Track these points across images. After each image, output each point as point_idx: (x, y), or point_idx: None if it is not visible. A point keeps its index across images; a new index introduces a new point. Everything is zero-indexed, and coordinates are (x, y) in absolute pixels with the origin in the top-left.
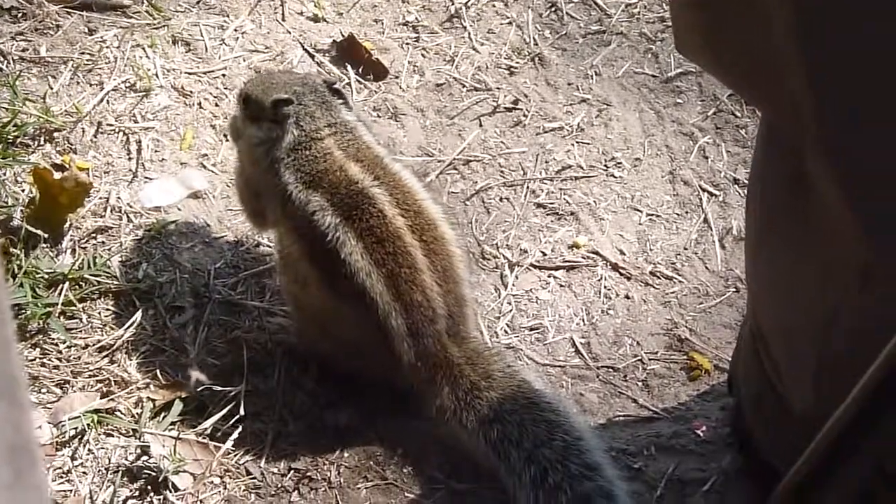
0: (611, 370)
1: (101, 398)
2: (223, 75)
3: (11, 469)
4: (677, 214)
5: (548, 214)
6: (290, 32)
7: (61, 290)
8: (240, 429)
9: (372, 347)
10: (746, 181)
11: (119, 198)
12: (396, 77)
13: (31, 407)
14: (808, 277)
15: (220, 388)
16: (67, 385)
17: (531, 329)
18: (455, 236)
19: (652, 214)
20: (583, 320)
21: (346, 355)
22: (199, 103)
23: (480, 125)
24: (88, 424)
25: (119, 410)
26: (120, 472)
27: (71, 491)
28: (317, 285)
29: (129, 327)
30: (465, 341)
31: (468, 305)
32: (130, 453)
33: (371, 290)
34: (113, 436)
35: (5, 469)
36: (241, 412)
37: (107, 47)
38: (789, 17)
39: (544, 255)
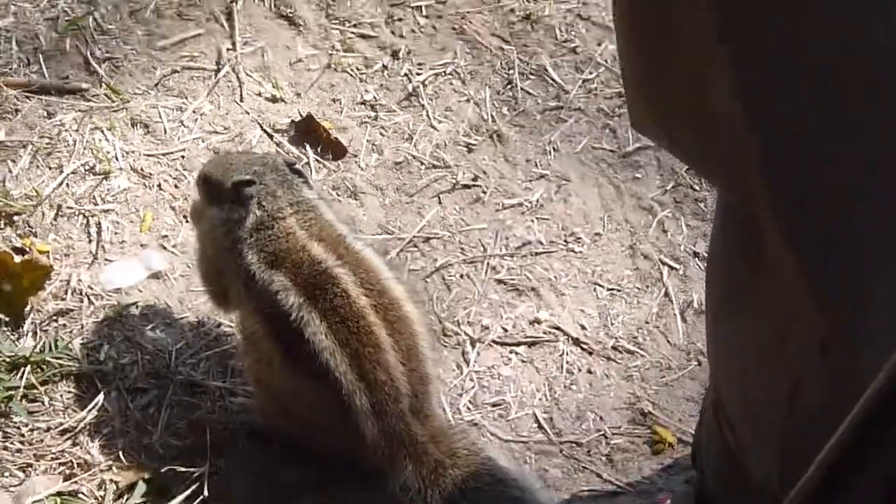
0: (574, 445)
1: (64, 481)
2: (182, 157)
3: None
4: (638, 288)
5: (508, 290)
6: (248, 113)
7: (23, 373)
8: None
9: (335, 426)
10: (706, 254)
11: (80, 280)
12: (355, 156)
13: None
14: (769, 351)
15: (183, 470)
16: (30, 468)
17: (494, 405)
18: (419, 314)
19: (613, 289)
20: (545, 395)
21: (310, 434)
22: (159, 185)
23: (440, 202)
24: None
25: (82, 493)
26: None
27: None
28: (280, 364)
29: (91, 409)
30: (428, 419)
31: (432, 383)
32: None
33: (335, 369)
34: None
35: None
36: (205, 493)
37: (66, 130)
38: (731, 86)
39: (506, 331)
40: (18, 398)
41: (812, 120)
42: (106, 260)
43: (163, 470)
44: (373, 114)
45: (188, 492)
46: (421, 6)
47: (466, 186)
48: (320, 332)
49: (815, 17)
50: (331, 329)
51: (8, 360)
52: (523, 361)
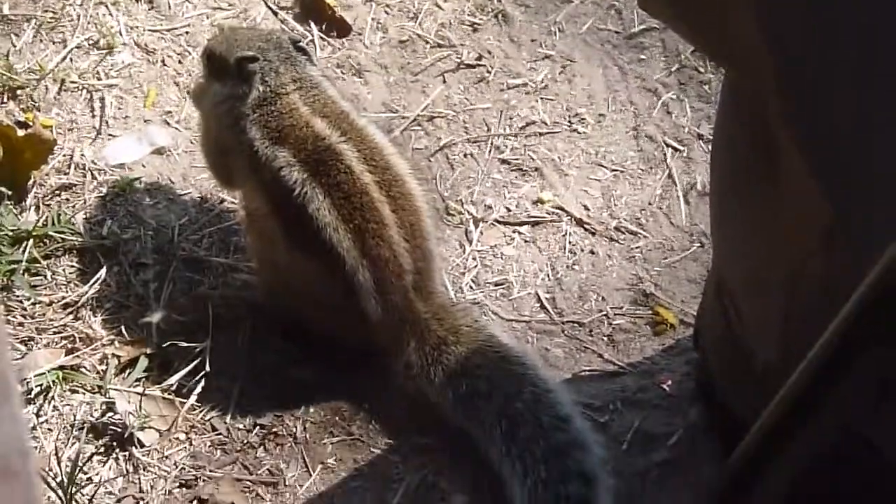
0: (576, 325)
1: (65, 355)
2: (186, 32)
3: None
4: (641, 170)
5: (512, 170)
6: None
7: (25, 247)
8: (205, 385)
9: (338, 303)
10: (710, 137)
11: (83, 155)
12: (360, 34)
13: (5, 341)
14: (773, 235)
15: (185, 345)
16: (32, 342)
17: (496, 284)
18: (422, 192)
19: (616, 170)
20: (548, 276)
21: (312, 312)
22: (163, 60)
23: (444, 82)
24: (53, 381)
25: (84, 367)
26: (85, 429)
27: (36, 447)
28: (283, 242)
29: (93, 284)
30: (431, 296)
31: (435, 260)
32: (96, 410)
33: (338, 245)
34: (78, 392)
35: None
36: (207, 368)
37: (69, 5)
38: None
39: (509, 210)
40: (21, 272)
41: (825, 20)
42: (109, 135)
43: (164, 345)
44: None
45: (190, 367)
46: None
47: (471, 66)
48: (324, 208)
49: None
50: (334, 205)
51: (11, 234)
52: (526, 241)
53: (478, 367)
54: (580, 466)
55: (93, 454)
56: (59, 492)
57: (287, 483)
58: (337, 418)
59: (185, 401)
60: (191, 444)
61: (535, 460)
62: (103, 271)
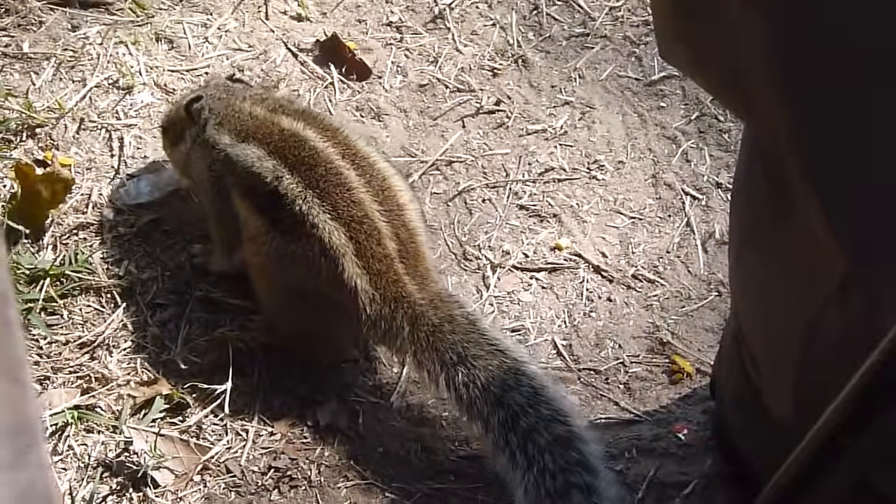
0: (592, 372)
1: (81, 395)
2: (206, 73)
3: (12, 448)
4: (660, 218)
5: (530, 216)
6: (273, 31)
7: (42, 285)
8: (221, 426)
9: (330, 289)
10: (729, 185)
11: (101, 194)
12: (380, 77)
13: (33, 386)
14: (790, 286)
15: (203, 386)
16: (48, 381)
17: (513, 330)
18: (391, 168)
19: (634, 217)
20: (564, 322)
21: (312, 319)
22: None
23: (463, 126)
24: (69, 420)
25: (99, 407)
26: (100, 468)
27: None
28: (268, 235)
29: (110, 324)
30: (425, 282)
31: (419, 235)
32: (111, 449)
33: (308, 213)
34: (93, 432)
35: (6, 448)
36: (226, 410)
37: (90, 44)
38: (758, 29)
39: (526, 256)
40: (37, 311)
41: (842, 72)
42: (127, 175)
43: (184, 386)
44: (398, 35)
45: (207, 409)
46: None
47: (490, 111)
48: (293, 184)
49: None
50: (302, 179)
51: (27, 272)
52: (543, 288)
53: (474, 358)
54: (583, 458)
55: (107, 494)
56: None
57: None
58: (352, 462)
59: (200, 442)
60: (205, 486)
61: (540, 450)
62: (120, 311)
